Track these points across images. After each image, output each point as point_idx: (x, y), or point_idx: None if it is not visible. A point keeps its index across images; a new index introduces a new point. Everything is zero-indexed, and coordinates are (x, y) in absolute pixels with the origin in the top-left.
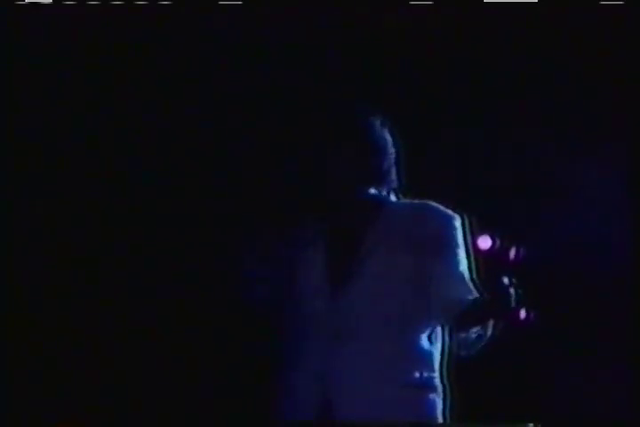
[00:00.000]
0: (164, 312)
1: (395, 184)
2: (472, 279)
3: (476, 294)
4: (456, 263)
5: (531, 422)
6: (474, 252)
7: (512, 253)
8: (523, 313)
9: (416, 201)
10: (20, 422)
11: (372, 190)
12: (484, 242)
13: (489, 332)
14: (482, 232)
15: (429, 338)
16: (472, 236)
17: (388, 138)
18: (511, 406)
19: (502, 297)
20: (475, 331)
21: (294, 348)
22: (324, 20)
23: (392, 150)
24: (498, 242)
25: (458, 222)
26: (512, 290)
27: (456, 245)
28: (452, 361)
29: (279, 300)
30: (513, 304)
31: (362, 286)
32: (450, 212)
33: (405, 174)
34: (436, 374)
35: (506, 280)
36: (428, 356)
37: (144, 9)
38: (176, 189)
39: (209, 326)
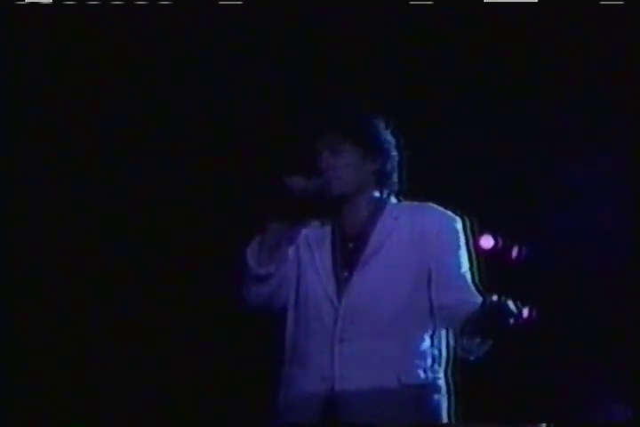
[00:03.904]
0: (168, 313)
1: (396, 187)
2: (474, 281)
3: (477, 296)
4: (458, 265)
5: (543, 422)
6: (476, 252)
7: (514, 252)
8: (526, 312)
9: (417, 203)
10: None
11: (375, 193)
12: (487, 242)
13: (491, 339)
14: (484, 232)
15: (432, 338)
16: (474, 237)
17: (392, 141)
18: (519, 406)
19: (504, 309)
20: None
21: (299, 348)
22: (327, 20)
23: (395, 153)
24: (500, 242)
25: (459, 224)
26: (512, 302)
27: (457, 247)
28: (457, 362)
29: (283, 300)
30: (515, 316)
31: (365, 287)
32: (451, 214)
33: (407, 177)
34: (441, 375)
35: (503, 297)
36: (432, 356)
37: (144, 9)
38: (182, 190)
39: (212, 327)
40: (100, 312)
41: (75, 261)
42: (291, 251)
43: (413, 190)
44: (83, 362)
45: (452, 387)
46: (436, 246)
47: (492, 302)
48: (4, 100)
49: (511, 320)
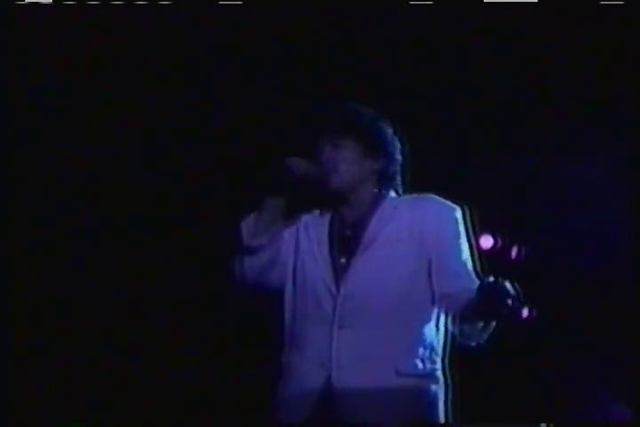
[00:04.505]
0: (166, 300)
1: (399, 188)
2: (475, 268)
3: (478, 283)
4: (458, 254)
5: (543, 422)
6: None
7: (514, 252)
8: (526, 311)
9: (417, 195)
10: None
11: (375, 190)
12: (486, 242)
13: (493, 324)
14: (483, 232)
15: (431, 328)
16: (473, 227)
17: (397, 145)
18: (519, 406)
19: (502, 289)
20: (480, 324)
21: (297, 332)
22: (328, 20)
23: (399, 157)
24: (499, 242)
25: (459, 213)
26: (511, 287)
27: (458, 237)
28: (457, 359)
29: (276, 279)
30: (512, 296)
31: (363, 274)
32: (451, 203)
33: (410, 178)
34: (439, 366)
35: (500, 279)
36: (430, 346)
37: (144, 9)
38: (185, 185)
39: (211, 315)
40: (93, 297)
41: (70, 242)
42: (287, 233)
43: (413, 189)
44: (81, 349)
45: (449, 379)
46: (437, 236)
47: (489, 282)
48: (4, 100)
49: (509, 301)
